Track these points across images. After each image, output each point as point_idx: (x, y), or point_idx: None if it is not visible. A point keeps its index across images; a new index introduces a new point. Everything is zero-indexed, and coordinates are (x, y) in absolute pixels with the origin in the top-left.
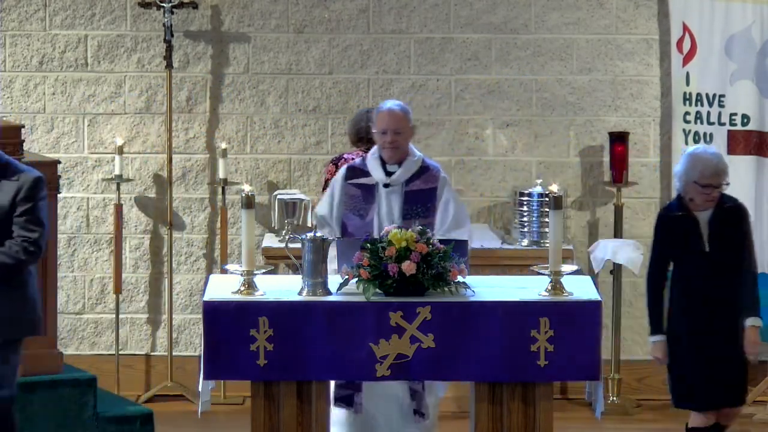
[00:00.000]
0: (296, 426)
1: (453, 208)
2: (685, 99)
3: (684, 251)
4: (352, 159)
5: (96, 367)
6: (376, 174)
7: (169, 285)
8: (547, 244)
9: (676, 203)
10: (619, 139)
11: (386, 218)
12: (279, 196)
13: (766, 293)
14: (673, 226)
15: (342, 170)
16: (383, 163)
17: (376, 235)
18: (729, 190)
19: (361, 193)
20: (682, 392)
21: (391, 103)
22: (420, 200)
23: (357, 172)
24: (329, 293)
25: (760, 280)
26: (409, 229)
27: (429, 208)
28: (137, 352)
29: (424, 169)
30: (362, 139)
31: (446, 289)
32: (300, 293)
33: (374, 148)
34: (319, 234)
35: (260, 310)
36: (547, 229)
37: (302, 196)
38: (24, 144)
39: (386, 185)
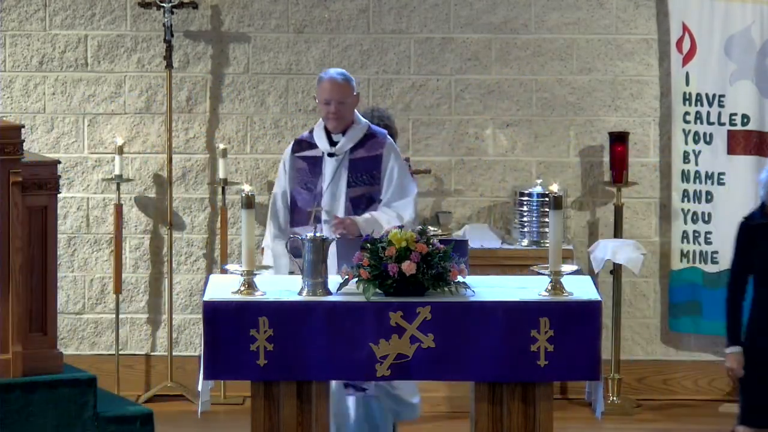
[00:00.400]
0: (296, 426)
1: (397, 175)
2: (684, 99)
3: (766, 262)
4: None
5: (96, 367)
6: (321, 144)
7: (169, 285)
8: (547, 244)
9: (759, 212)
10: (619, 139)
11: (333, 189)
12: None
13: None
14: (756, 235)
15: (290, 146)
16: (328, 134)
17: (326, 207)
18: (729, 190)
19: (307, 166)
20: (754, 408)
21: (333, 72)
22: (365, 168)
23: (303, 144)
24: (329, 293)
25: None
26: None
27: (375, 176)
28: (137, 352)
29: (369, 137)
30: None
31: (446, 289)
32: (300, 293)
33: (321, 120)
34: (318, 234)
35: (260, 310)
36: (547, 229)
37: None
38: (24, 144)
39: (330, 154)
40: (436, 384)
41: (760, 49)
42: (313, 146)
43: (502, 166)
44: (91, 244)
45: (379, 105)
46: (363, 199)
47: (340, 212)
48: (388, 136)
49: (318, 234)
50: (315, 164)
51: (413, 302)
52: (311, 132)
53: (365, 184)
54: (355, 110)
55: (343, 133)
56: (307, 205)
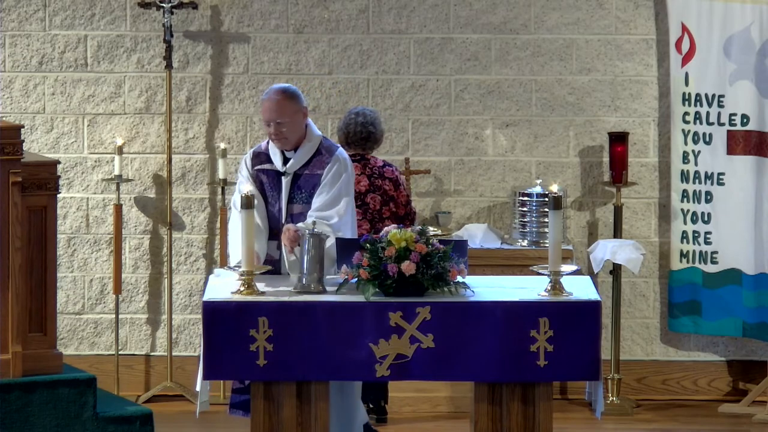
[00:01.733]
0: (296, 426)
1: (333, 183)
2: (684, 99)
3: None
4: None
5: (96, 367)
6: (276, 161)
7: (169, 285)
8: (547, 244)
9: None
10: (618, 139)
11: (287, 205)
12: None
13: (765, 293)
14: None
15: (248, 158)
16: (282, 150)
17: (284, 222)
18: (728, 190)
19: (268, 180)
20: None
21: (274, 90)
22: (307, 185)
23: (262, 157)
24: (324, 290)
25: (759, 280)
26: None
27: (313, 194)
28: (137, 352)
29: (317, 153)
30: (351, 143)
31: (446, 289)
32: (294, 288)
33: None
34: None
35: (260, 310)
36: (546, 229)
37: None
38: (24, 144)
39: (283, 174)
40: (436, 384)
41: (759, 49)
42: (271, 161)
43: (501, 166)
44: (90, 244)
45: (366, 107)
46: (302, 217)
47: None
48: (340, 151)
49: (316, 230)
50: (275, 179)
51: (413, 302)
52: (268, 143)
53: (303, 202)
54: (309, 122)
55: (296, 149)
56: (273, 218)
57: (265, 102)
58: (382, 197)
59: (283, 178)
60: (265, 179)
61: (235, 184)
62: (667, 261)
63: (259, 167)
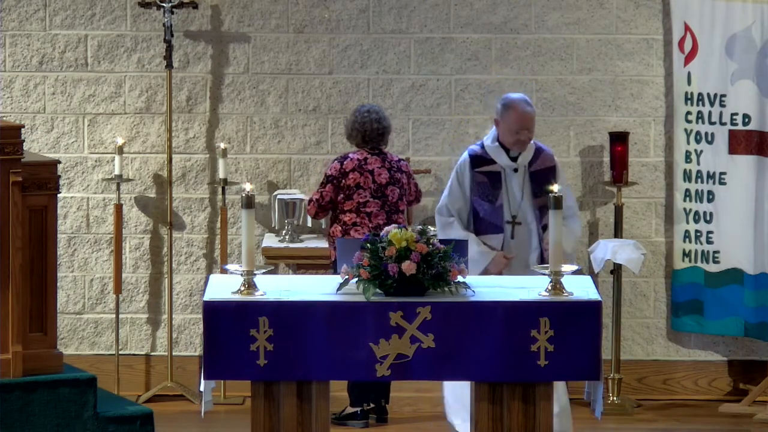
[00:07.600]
0: (296, 426)
1: (569, 194)
2: (687, 98)
3: None
4: (357, 159)
5: (96, 367)
6: (502, 160)
7: (169, 285)
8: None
9: None
10: (619, 139)
11: (512, 200)
12: (279, 196)
13: (765, 293)
14: None
15: (465, 160)
16: (506, 150)
17: (508, 218)
18: (730, 190)
19: (488, 180)
20: None
21: (527, 102)
22: (543, 179)
23: (481, 160)
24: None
25: (760, 280)
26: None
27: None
28: (137, 352)
29: (539, 151)
30: (369, 140)
31: (446, 289)
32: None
33: (490, 136)
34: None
35: (260, 310)
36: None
37: (302, 196)
38: (24, 144)
39: (515, 170)
40: (436, 384)
41: (760, 48)
42: (491, 162)
43: None
44: (91, 244)
45: (370, 104)
46: (545, 208)
47: (530, 219)
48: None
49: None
50: (495, 178)
51: (413, 302)
52: (483, 147)
53: (546, 193)
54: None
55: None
56: (489, 215)
57: (521, 113)
58: (400, 190)
59: (513, 174)
60: (485, 179)
61: (236, 183)
62: (669, 260)
63: (479, 169)
